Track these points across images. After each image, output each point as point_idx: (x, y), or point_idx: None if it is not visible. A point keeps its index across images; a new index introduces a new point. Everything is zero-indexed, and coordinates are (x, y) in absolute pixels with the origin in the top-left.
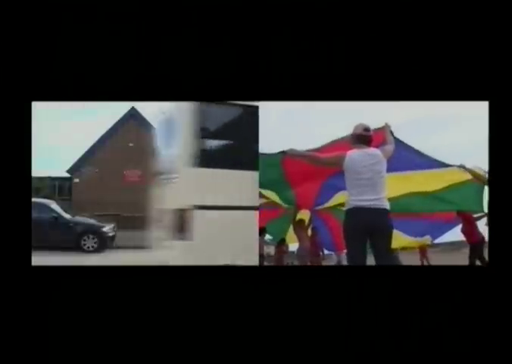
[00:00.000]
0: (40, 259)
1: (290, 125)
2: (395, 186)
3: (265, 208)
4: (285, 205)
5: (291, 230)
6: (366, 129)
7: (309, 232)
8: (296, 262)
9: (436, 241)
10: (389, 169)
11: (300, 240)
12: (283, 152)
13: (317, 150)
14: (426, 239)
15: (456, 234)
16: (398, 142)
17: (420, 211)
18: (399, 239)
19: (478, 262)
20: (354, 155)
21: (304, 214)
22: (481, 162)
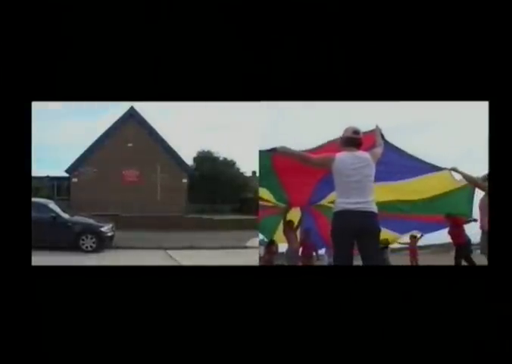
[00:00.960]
0: (40, 259)
1: (290, 123)
2: (390, 195)
3: (261, 208)
4: (280, 204)
5: (279, 230)
6: (356, 132)
7: (298, 234)
8: (285, 263)
9: (427, 242)
10: (381, 178)
11: (289, 241)
12: (274, 150)
13: (310, 151)
14: (416, 233)
15: (445, 236)
16: (390, 147)
17: (410, 213)
18: (387, 235)
19: (464, 263)
20: (343, 157)
21: (294, 215)
22: (474, 165)
